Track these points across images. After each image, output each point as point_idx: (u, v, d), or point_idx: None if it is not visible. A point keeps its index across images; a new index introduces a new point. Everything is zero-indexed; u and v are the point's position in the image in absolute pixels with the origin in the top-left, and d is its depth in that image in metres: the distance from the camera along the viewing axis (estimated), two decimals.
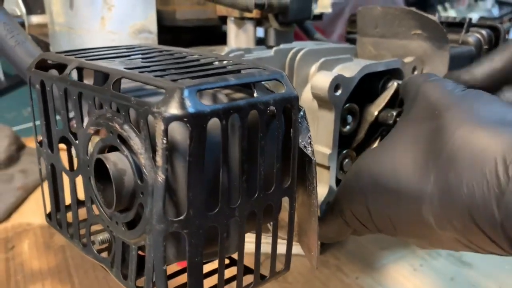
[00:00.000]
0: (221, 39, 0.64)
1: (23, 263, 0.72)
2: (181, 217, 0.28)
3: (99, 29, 0.49)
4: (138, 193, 0.30)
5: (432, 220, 0.31)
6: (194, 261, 0.29)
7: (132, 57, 0.37)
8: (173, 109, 0.26)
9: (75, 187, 0.37)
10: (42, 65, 0.38)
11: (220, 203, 0.29)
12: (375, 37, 0.53)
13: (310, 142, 0.34)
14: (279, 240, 0.36)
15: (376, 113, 0.46)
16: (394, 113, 0.45)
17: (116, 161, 0.30)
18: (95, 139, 0.33)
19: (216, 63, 0.34)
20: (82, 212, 0.37)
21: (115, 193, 0.30)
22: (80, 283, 0.68)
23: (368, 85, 0.48)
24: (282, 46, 0.48)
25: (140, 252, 0.33)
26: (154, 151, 0.28)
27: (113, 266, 0.34)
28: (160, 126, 0.26)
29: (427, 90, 0.35)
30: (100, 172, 0.32)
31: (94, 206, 0.35)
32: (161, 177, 0.27)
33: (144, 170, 0.28)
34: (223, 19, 0.53)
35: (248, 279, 0.35)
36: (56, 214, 0.40)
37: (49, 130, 0.38)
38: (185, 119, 0.26)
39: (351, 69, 0.44)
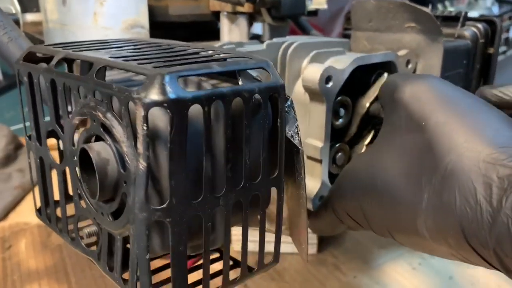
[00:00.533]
0: (215, 35, 0.64)
1: (19, 263, 0.72)
2: (164, 205, 0.27)
3: (91, 25, 0.49)
4: (121, 182, 0.29)
5: (426, 234, 0.30)
6: (177, 250, 0.28)
7: (120, 48, 0.36)
8: (153, 95, 0.26)
9: (64, 179, 0.36)
10: (32, 58, 0.38)
11: (204, 191, 0.29)
12: (369, 31, 0.53)
13: (297, 131, 0.33)
14: (271, 234, 0.36)
15: (367, 105, 0.45)
16: None
17: (99, 150, 0.30)
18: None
19: (203, 53, 0.34)
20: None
21: (99, 183, 0.29)
22: (77, 282, 0.67)
23: (361, 79, 0.47)
24: (274, 40, 0.48)
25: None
26: (135, 138, 0.28)
27: (99, 258, 0.34)
28: (140, 112, 0.26)
29: (406, 96, 0.34)
30: (86, 162, 0.32)
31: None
32: (142, 164, 0.27)
33: (127, 158, 0.28)
34: (216, 14, 0.53)
35: (236, 272, 0.34)
36: (46, 209, 0.40)
37: (37, 123, 0.38)
38: (165, 105, 0.26)
39: (343, 62, 0.44)
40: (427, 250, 0.33)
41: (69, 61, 0.36)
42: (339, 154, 0.47)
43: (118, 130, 0.29)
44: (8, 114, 1.20)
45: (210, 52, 0.34)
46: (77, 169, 0.33)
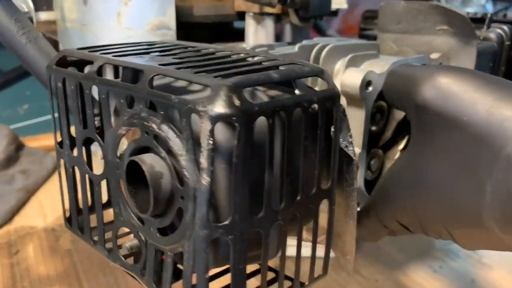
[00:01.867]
0: (233, 35, 0.63)
1: (29, 269, 0.70)
2: (226, 222, 0.26)
3: (114, 26, 0.48)
4: (177, 197, 0.28)
5: (495, 226, 0.30)
6: (238, 268, 0.27)
7: (158, 53, 0.35)
8: (220, 107, 0.24)
9: (101, 191, 0.35)
10: (62, 63, 0.37)
11: (265, 207, 0.28)
12: (397, 33, 0.52)
13: (351, 141, 0.32)
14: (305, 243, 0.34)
15: None
16: None
17: (152, 163, 0.28)
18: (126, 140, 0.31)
19: (250, 59, 0.33)
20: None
21: (152, 197, 0.28)
22: None
23: None
24: (305, 42, 0.47)
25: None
26: (195, 152, 0.26)
27: (143, 274, 0.33)
28: (206, 126, 0.24)
29: (430, 97, 0.33)
30: (132, 174, 0.31)
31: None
32: (205, 180, 0.25)
33: (185, 173, 0.27)
34: (241, 15, 0.52)
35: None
36: (78, 219, 0.38)
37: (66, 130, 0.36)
38: (234, 118, 0.24)
39: (379, 65, 0.43)
40: (492, 245, 0.32)
41: (101, 67, 0.35)
42: (373, 160, 0.46)
43: (176, 143, 0.27)
44: (5, 113, 1.17)
45: (258, 58, 0.33)
46: (123, 182, 0.31)
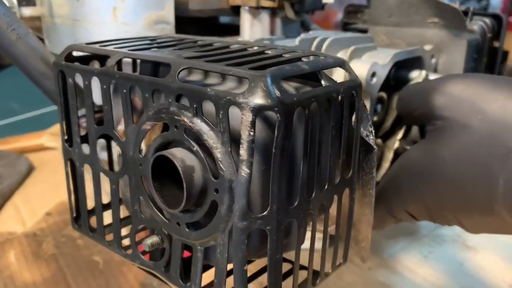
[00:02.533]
0: (223, 30, 0.62)
1: (13, 276, 0.67)
2: (265, 213, 0.26)
3: (110, 21, 0.46)
4: (210, 190, 0.28)
5: (506, 215, 0.31)
6: (275, 258, 0.27)
7: (173, 47, 0.34)
8: (261, 99, 0.24)
9: (118, 190, 0.34)
10: (68, 59, 0.35)
11: (300, 196, 0.28)
12: (389, 26, 0.53)
13: (371, 131, 0.33)
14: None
15: None
16: None
17: (183, 157, 0.28)
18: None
19: (268, 51, 0.33)
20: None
21: (186, 192, 0.28)
22: None
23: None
24: (303, 35, 0.47)
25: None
26: (230, 144, 0.26)
27: (168, 270, 0.32)
28: (247, 118, 0.24)
29: (445, 101, 0.35)
30: (155, 170, 0.30)
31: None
32: (245, 171, 0.25)
33: (221, 165, 0.27)
34: (235, 9, 0.52)
35: (303, 276, 0.33)
36: (88, 219, 0.37)
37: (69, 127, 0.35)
38: (275, 109, 0.24)
39: (380, 57, 0.44)
40: (500, 229, 0.34)
41: (102, 59, 0.34)
42: None
43: (210, 136, 0.27)
44: None
45: (277, 51, 0.33)
46: (146, 178, 0.31)
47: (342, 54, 0.46)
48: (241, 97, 0.25)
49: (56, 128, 0.90)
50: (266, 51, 0.33)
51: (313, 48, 0.46)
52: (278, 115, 0.25)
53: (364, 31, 0.61)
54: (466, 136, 0.33)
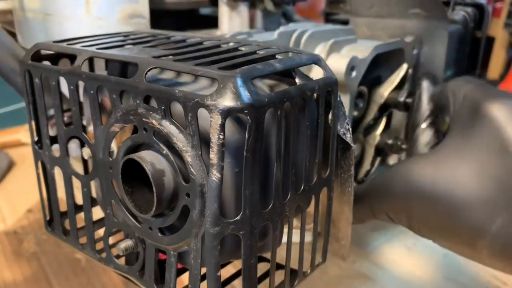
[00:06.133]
0: (200, 22, 0.61)
1: None
2: (237, 218, 0.25)
3: (83, 15, 0.45)
4: (181, 194, 0.27)
5: (485, 252, 0.30)
6: (249, 263, 0.27)
7: (143, 45, 0.33)
8: (230, 101, 0.23)
9: (90, 192, 0.33)
10: (36, 57, 0.34)
11: (274, 199, 0.27)
12: (370, 17, 0.53)
13: (348, 128, 0.32)
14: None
15: (386, 94, 0.45)
16: (405, 93, 0.44)
17: (153, 161, 0.27)
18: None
19: (242, 48, 0.32)
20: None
21: (156, 196, 0.27)
22: None
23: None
24: (282, 28, 0.46)
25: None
26: (201, 147, 0.25)
27: (142, 275, 0.31)
28: (216, 120, 0.23)
29: (496, 115, 0.30)
30: (126, 173, 0.29)
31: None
32: (216, 176, 0.24)
33: (192, 169, 0.26)
34: (214, 1, 0.50)
35: (279, 276, 0.33)
36: (62, 222, 0.36)
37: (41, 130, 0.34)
38: (245, 111, 0.24)
39: (360, 51, 0.43)
40: (475, 259, 0.32)
41: (73, 57, 0.33)
42: (355, 145, 0.46)
43: (180, 139, 0.26)
44: None
45: (251, 47, 0.32)
46: (117, 181, 0.30)
47: (322, 48, 0.45)
48: (210, 99, 0.24)
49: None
50: (240, 48, 0.32)
51: (292, 41, 0.45)
52: (248, 117, 0.24)
53: (346, 22, 0.60)
54: (492, 163, 0.30)
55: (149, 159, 0.27)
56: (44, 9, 0.46)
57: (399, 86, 0.46)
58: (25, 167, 0.93)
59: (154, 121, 0.27)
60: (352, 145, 0.32)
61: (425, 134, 0.38)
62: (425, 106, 0.38)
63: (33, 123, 0.35)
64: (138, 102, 0.27)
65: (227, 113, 0.23)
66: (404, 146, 0.46)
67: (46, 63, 0.34)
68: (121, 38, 0.36)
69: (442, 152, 0.33)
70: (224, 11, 0.50)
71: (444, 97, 0.36)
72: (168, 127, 0.26)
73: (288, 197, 0.28)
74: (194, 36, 0.36)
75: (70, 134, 0.32)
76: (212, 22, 0.56)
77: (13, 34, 0.56)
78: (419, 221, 0.34)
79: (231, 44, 0.33)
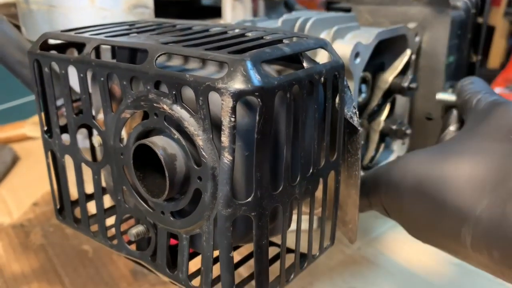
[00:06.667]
0: (203, 12, 0.61)
1: (1, 268, 0.67)
2: (249, 199, 0.26)
3: (88, 6, 0.45)
4: (193, 178, 0.27)
5: (468, 241, 0.30)
6: (261, 244, 0.27)
7: (151, 32, 0.33)
8: (241, 84, 0.24)
9: (100, 180, 0.33)
10: (43, 47, 0.34)
11: (284, 181, 0.28)
12: (372, 4, 0.53)
13: (355, 112, 0.32)
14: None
15: (390, 79, 0.45)
16: (410, 77, 0.44)
17: (164, 145, 0.28)
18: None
19: (249, 34, 0.32)
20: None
21: (168, 180, 0.27)
22: (71, 282, 0.64)
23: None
24: (286, 16, 0.46)
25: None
26: (212, 131, 0.26)
27: (154, 260, 0.32)
28: (227, 103, 0.24)
29: (507, 111, 0.32)
30: (137, 159, 0.30)
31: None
32: (227, 158, 0.25)
33: (203, 153, 0.26)
34: None
35: (289, 259, 0.33)
36: (72, 210, 0.37)
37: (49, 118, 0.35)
38: (256, 94, 0.24)
39: (363, 37, 0.43)
40: (460, 256, 0.32)
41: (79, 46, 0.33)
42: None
43: (191, 123, 0.26)
44: None
45: (258, 33, 0.32)
46: (129, 167, 0.30)
47: (325, 35, 0.45)
48: (221, 82, 0.24)
49: (36, 127, 0.88)
50: (247, 34, 0.32)
51: (295, 29, 0.45)
52: (259, 100, 0.24)
53: (348, 10, 0.60)
54: (493, 148, 0.31)
55: (161, 144, 0.28)
56: (48, 1, 0.47)
57: (403, 72, 0.46)
58: (29, 161, 0.93)
59: (165, 106, 0.27)
60: (359, 128, 0.32)
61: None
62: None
63: (42, 113, 0.35)
64: (148, 87, 0.27)
65: (238, 96, 0.24)
66: (408, 132, 0.47)
67: (53, 52, 0.34)
68: (127, 26, 0.36)
69: (443, 145, 0.33)
70: (227, 1, 0.50)
71: (463, 103, 0.37)
72: (179, 112, 0.27)
73: (298, 179, 0.29)
74: (199, 24, 0.36)
75: (80, 122, 0.33)
76: (214, 12, 0.56)
77: (17, 27, 0.56)
78: (408, 215, 0.34)
79: (237, 30, 0.33)
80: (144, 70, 0.27)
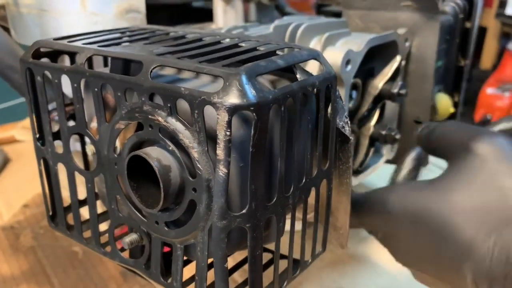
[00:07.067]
0: (194, 15, 0.61)
1: None
2: (243, 211, 0.26)
3: (79, 10, 0.45)
4: (188, 189, 0.28)
5: (469, 277, 0.30)
6: (255, 255, 0.27)
7: (144, 41, 0.34)
8: (237, 98, 0.24)
9: (94, 188, 0.34)
10: (36, 55, 0.34)
11: (278, 192, 0.28)
12: (363, 9, 0.53)
13: (347, 121, 0.33)
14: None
15: (380, 86, 0.46)
16: (399, 84, 0.45)
17: (159, 157, 0.28)
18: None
19: (243, 44, 0.32)
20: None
21: (163, 191, 0.27)
22: (60, 283, 0.63)
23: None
24: (277, 22, 0.47)
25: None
26: (206, 143, 0.26)
27: (148, 267, 0.32)
28: (223, 118, 0.24)
29: (482, 152, 0.32)
30: (131, 169, 0.30)
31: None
32: (222, 171, 0.25)
33: (198, 165, 0.26)
34: None
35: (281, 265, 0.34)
36: (65, 217, 0.37)
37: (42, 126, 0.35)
38: (252, 108, 0.24)
39: (354, 43, 0.44)
40: (454, 287, 0.33)
41: (72, 54, 0.33)
42: None
43: (186, 135, 0.27)
44: None
45: (251, 43, 0.32)
46: (122, 177, 0.30)
47: (316, 41, 0.45)
48: (216, 96, 0.24)
49: (28, 121, 0.87)
50: (240, 44, 0.32)
51: (287, 35, 0.46)
52: (254, 114, 0.24)
53: (338, 13, 0.60)
54: (485, 190, 0.31)
55: (155, 155, 0.28)
56: (39, 4, 0.46)
57: (392, 78, 0.47)
58: (20, 163, 0.93)
59: (160, 118, 0.27)
60: (350, 138, 0.33)
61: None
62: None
63: (34, 120, 0.35)
64: (143, 99, 0.27)
65: (233, 111, 0.24)
66: (397, 137, 0.47)
67: (45, 59, 0.34)
68: (119, 34, 0.36)
69: (438, 183, 0.34)
70: (219, 5, 0.50)
71: (433, 142, 0.38)
72: (174, 124, 0.27)
73: (291, 190, 0.29)
74: (192, 31, 0.37)
75: (73, 131, 0.33)
76: (205, 15, 0.56)
77: (6, 30, 0.55)
78: (405, 246, 0.35)
79: (230, 40, 0.34)
80: (139, 82, 0.27)
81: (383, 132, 0.48)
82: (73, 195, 0.35)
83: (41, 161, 0.36)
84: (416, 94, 0.52)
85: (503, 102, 1.65)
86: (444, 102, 0.57)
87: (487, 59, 1.67)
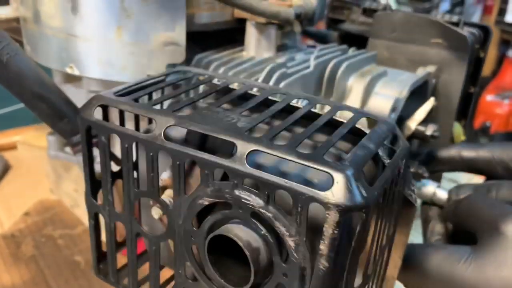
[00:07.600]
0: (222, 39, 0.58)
1: None
2: None
3: (113, 39, 0.42)
4: (277, 272, 0.28)
5: None
6: None
7: (211, 103, 0.32)
8: (348, 200, 0.24)
9: (159, 251, 0.33)
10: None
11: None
12: (391, 40, 0.53)
13: (413, 189, 0.34)
14: None
15: (413, 127, 0.47)
16: (434, 127, 0.46)
17: (248, 239, 0.28)
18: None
19: (316, 111, 0.32)
20: None
21: (253, 273, 0.27)
22: None
23: None
24: (314, 60, 0.46)
25: None
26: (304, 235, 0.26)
27: None
28: (333, 218, 0.24)
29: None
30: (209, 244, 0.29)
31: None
32: (324, 265, 0.25)
33: (294, 253, 0.26)
34: (240, 21, 0.49)
35: None
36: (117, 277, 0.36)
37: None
38: (363, 210, 0.24)
39: (395, 87, 0.44)
40: None
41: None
42: None
43: (283, 223, 0.26)
44: None
45: (329, 113, 0.32)
46: (200, 251, 0.30)
47: (356, 80, 0.46)
48: (327, 197, 0.24)
49: (28, 136, 0.81)
50: (313, 110, 0.32)
51: (327, 73, 0.45)
52: (364, 215, 0.25)
53: (354, 35, 0.60)
54: None
55: (245, 238, 0.28)
56: (67, 29, 0.43)
57: (425, 119, 0.48)
58: (21, 170, 0.88)
59: (254, 204, 0.27)
60: (416, 204, 0.34)
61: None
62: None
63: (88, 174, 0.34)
64: (236, 182, 0.27)
65: (345, 212, 0.24)
66: (426, 175, 0.49)
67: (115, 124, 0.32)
68: (184, 88, 0.34)
69: (474, 260, 0.36)
70: (251, 33, 0.49)
71: (461, 217, 0.41)
72: (271, 211, 0.26)
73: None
74: (252, 85, 0.36)
75: (142, 196, 0.32)
76: (230, 37, 0.55)
77: (18, 42, 0.52)
78: None
79: (302, 109, 0.32)
80: (234, 166, 0.26)
81: (412, 170, 0.49)
82: (133, 255, 0.34)
83: (93, 215, 0.35)
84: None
85: (503, 109, 1.67)
86: (457, 131, 0.58)
87: (486, 66, 1.71)
